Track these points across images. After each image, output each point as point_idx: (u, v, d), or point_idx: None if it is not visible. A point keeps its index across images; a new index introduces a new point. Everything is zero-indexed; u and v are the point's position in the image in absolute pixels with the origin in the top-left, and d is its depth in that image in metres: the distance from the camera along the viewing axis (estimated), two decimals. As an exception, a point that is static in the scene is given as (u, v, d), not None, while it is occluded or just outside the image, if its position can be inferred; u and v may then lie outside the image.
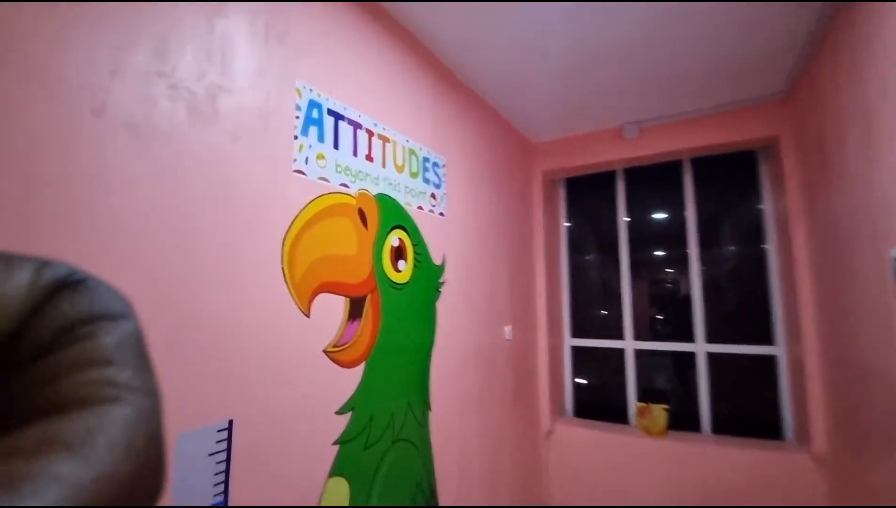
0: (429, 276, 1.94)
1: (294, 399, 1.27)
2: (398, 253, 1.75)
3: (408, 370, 1.77)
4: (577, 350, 3.38)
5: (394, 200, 1.75)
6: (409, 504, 1.71)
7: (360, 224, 1.57)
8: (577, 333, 3.40)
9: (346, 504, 1.42)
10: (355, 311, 1.52)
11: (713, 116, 2.75)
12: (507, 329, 2.67)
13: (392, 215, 1.73)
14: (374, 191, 1.65)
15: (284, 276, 1.26)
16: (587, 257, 3.48)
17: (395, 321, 1.71)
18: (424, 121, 1.99)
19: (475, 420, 2.23)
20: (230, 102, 1.15)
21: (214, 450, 1.05)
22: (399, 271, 1.75)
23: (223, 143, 1.13)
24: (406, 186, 1.83)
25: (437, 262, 2.01)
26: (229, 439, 1.09)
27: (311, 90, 1.40)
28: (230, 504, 1.08)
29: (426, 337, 1.90)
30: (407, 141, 1.86)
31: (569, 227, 3.52)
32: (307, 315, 1.33)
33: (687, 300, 3.05)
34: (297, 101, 1.35)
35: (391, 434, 1.64)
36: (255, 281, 1.18)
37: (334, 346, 1.42)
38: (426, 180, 1.96)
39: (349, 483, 1.44)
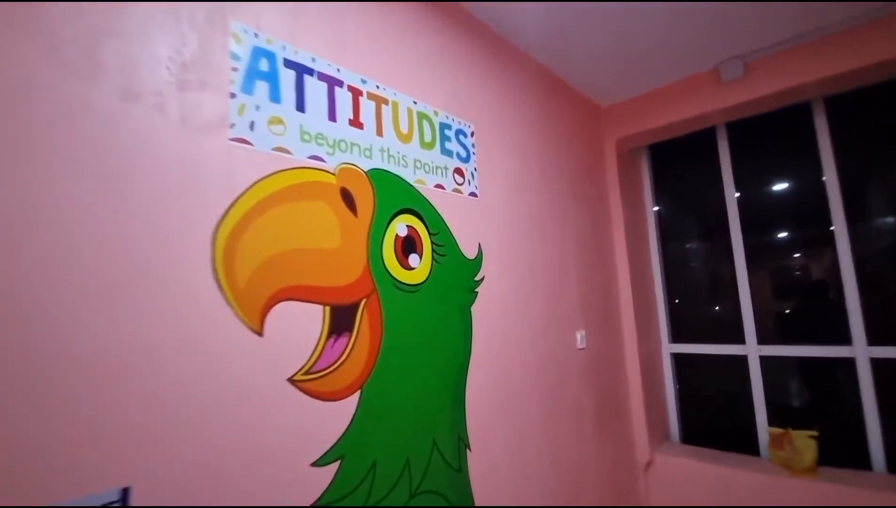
0: (458, 273, 1.51)
1: (236, 452, 0.92)
2: (408, 245, 1.34)
3: (430, 396, 1.34)
4: (680, 359, 2.68)
5: (398, 177, 1.36)
6: (442, 578, 1.28)
7: (346, 209, 1.20)
8: (678, 337, 2.70)
9: (337, 588, 1.03)
10: (340, 323, 1.14)
11: (852, 31, 1.96)
12: (580, 336, 2.12)
13: (396, 196, 1.34)
14: (365, 166, 1.27)
15: (218, 281, 0.92)
16: (687, 245, 2.77)
17: (406, 334, 1.30)
18: (442, 80, 1.58)
19: (539, 455, 1.72)
20: (120, 49, 0.85)
21: None
22: (410, 269, 1.34)
23: (110, 104, 0.82)
24: (416, 160, 1.42)
25: (470, 255, 1.57)
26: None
27: (255, 35, 1.06)
28: None
29: (457, 352, 1.46)
30: (415, 103, 1.45)
31: (658, 210, 2.84)
32: (259, 333, 0.98)
33: (825, 290, 2.24)
34: (232, 47, 1.02)
35: (407, 486, 1.23)
36: (168, 292, 0.85)
37: (307, 373, 1.05)
38: (447, 152, 1.54)
39: (341, 558, 1.05)
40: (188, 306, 0.87)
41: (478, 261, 1.60)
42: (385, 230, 1.29)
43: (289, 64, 1.12)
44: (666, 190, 2.83)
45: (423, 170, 1.44)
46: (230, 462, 0.90)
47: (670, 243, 2.80)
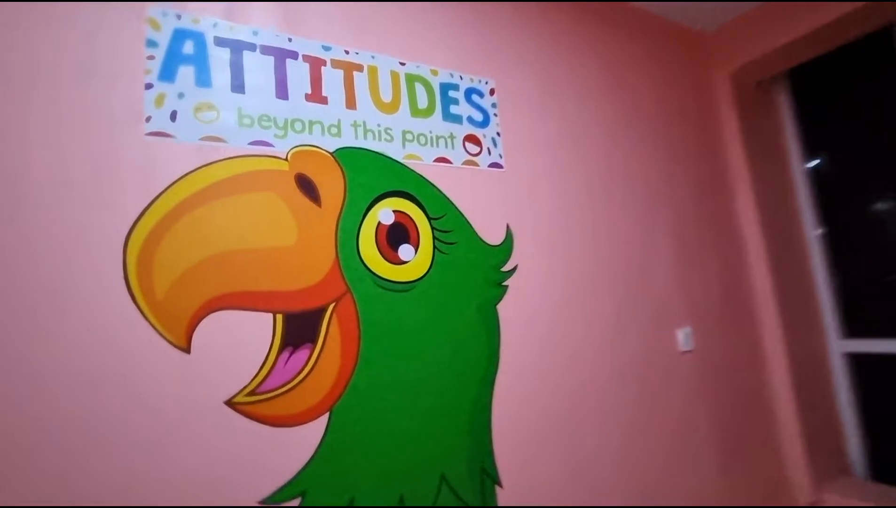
0: (476, 263, 1.22)
1: (162, 486, 0.80)
2: (396, 235, 1.11)
3: (436, 419, 1.09)
4: (859, 362, 1.90)
5: (378, 154, 1.13)
6: None
7: (304, 198, 1.02)
8: (855, 331, 1.92)
9: None
10: (298, 333, 0.96)
11: None
12: (683, 335, 1.61)
13: (376, 177, 1.12)
14: (332, 146, 1.07)
15: (132, 294, 0.83)
16: (866, 207, 1.95)
17: (396, 342, 1.07)
18: (443, 31, 1.30)
19: (615, 495, 1.32)
20: (15, 40, 0.80)
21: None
22: (401, 263, 1.11)
23: (6, 97, 0.78)
24: (406, 131, 1.18)
25: (494, 240, 1.27)
26: (18, 555, 0.70)
27: (178, 16, 0.95)
28: None
29: (476, 363, 1.17)
30: (402, 64, 1.21)
31: (811, 160, 2.06)
32: (185, 350, 0.86)
33: None
34: (149, 34, 0.92)
35: (402, 530, 1.00)
36: (71, 309, 0.78)
37: (251, 393, 0.90)
38: (452, 118, 1.26)
39: None
40: (96, 323, 0.79)
41: (506, 247, 1.28)
42: (362, 219, 1.08)
43: (221, 42, 0.99)
44: (824, 132, 2.03)
45: (417, 143, 1.19)
46: (156, 497, 0.79)
47: (837, 205, 2.00)
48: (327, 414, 0.97)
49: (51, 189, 0.80)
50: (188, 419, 0.84)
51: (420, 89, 1.23)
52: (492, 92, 1.35)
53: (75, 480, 0.74)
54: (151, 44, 0.91)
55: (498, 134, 1.34)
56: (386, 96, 1.17)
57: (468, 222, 1.23)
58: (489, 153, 1.31)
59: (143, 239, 0.85)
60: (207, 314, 0.88)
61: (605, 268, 1.47)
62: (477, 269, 1.22)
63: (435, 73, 1.26)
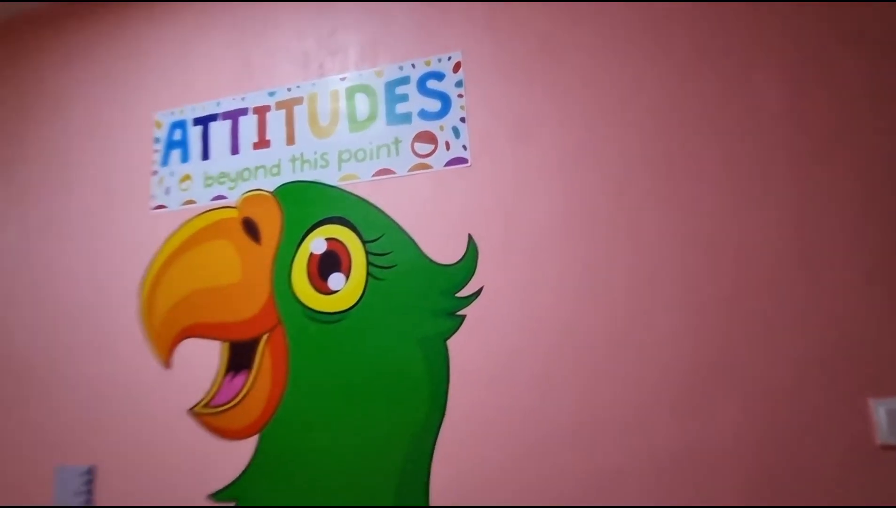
0: (415, 289, 1.02)
1: (158, 462, 1.12)
2: (327, 264, 1.08)
3: (363, 469, 1.00)
4: None
5: (313, 184, 1.12)
6: None
7: (247, 239, 1.15)
8: None
9: None
10: (239, 359, 1.10)
11: None
12: (885, 414, 0.79)
13: (310, 207, 1.12)
14: (272, 186, 1.15)
15: (143, 322, 1.18)
16: None
17: (323, 376, 1.05)
18: (398, 15, 1.14)
19: None
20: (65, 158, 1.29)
21: (83, 491, 1.15)
22: (330, 293, 1.07)
23: (75, 214, 1.28)
24: (343, 152, 1.12)
25: (447, 258, 1.02)
26: (92, 482, 1.15)
27: (171, 113, 1.26)
28: (90, 549, 1.13)
29: (413, 411, 0.99)
30: (343, 79, 1.14)
31: None
32: (167, 366, 1.15)
33: None
34: (155, 133, 1.26)
35: (317, 568, 0.99)
36: (109, 334, 1.20)
37: (206, 406, 1.11)
38: (398, 119, 1.09)
39: None
40: (125, 346, 1.18)
41: (465, 266, 1.01)
42: (295, 252, 1.11)
43: (197, 121, 1.23)
44: None
45: (355, 159, 1.10)
46: (151, 467, 1.12)
47: None
48: (257, 436, 1.07)
49: (94, 253, 1.24)
50: (165, 420, 1.13)
51: (361, 100, 1.12)
52: (456, 68, 1.08)
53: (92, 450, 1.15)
54: (156, 140, 1.26)
55: (462, 120, 1.05)
56: (324, 121, 1.14)
57: (411, 240, 1.04)
58: (447, 148, 1.05)
59: (150, 283, 1.19)
60: (182, 340, 1.15)
61: (660, 287, 0.91)
62: (420, 295, 1.02)
63: (380, 74, 1.12)
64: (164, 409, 1.13)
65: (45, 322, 1.26)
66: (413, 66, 1.10)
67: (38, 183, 1.35)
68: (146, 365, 1.16)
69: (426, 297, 1.02)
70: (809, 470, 0.80)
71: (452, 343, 0.99)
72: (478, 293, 0.99)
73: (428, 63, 1.09)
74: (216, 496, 1.07)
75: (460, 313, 0.99)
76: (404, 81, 1.10)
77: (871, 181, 0.85)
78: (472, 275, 1.00)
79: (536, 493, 0.90)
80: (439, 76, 1.08)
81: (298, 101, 1.17)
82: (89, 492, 1.15)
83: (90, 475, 1.15)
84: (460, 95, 1.06)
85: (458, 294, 1.00)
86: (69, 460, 1.18)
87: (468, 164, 1.04)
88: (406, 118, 1.09)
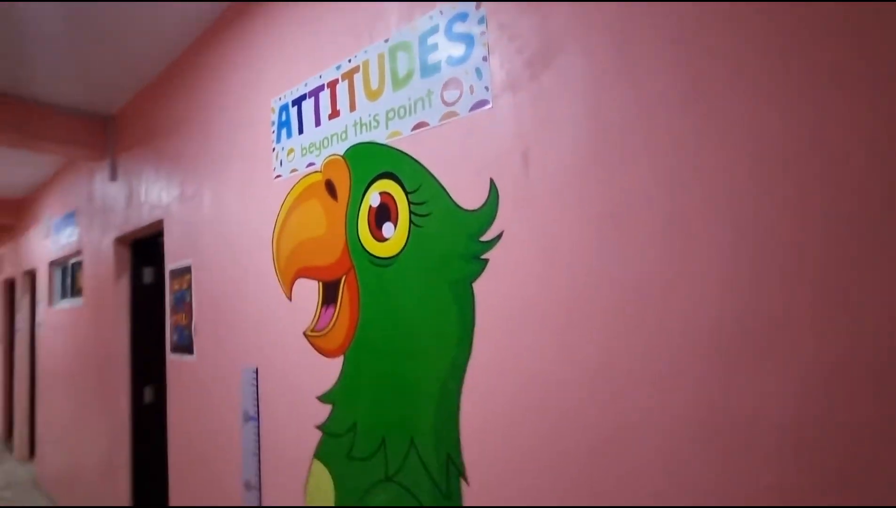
0: (446, 235, 1.09)
1: (290, 368, 1.51)
2: (381, 214, 1.23)
3: (406, 392, 1.16)
4: None
5: (371, 144, 1.26)
6: (427, 595, 1.12)
7: (329, 198, 1.37)
8: None
9: (332, 499, 1.34)
10: (329, 296, 1.37)
11: None
12: None
13: (369, 164, 1.26)
14: (342, 149, 1.33)
15: (274, 267, 1.55)
16: None
17: (381, 311, 1.23)
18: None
19: None
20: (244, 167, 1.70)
21: (253, 382, 1.64)
22: (384, 240, 1.22)
23: (232, 203, 1.70)
24: (389, 110, 1.21)
25: (472, 204, 1.05)
26: (257, 379, 1.62)
27: (279, 98, 1.54)
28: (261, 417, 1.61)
29: (444, 348, 1.08)
30: (386, 41, 1.22)
31: None
32: (290, 298, 1.49)
33: None
34: (271, 117, 1.57)
35: (382, 466, 1.21)
36: (261, 275, 1.61)
37: (312, 330, 1.42)
38: (430, 70, 1.12)
39: (333, 479, 1.34)
40: (267, 284, 1.58)
41: (487, 211, 1.02)
42: (360, 205, 1.28)
43: (294, 102, 1.49)
44: None
45: (398, 117, 1.19)
46: (288, 371, 1.51)
47: None
48: (343, 355, 1.33)
49: (240, 216, 1.64)
50: (289, 340, 1.48)
51: (402, 58, 1.18)
52: (478, 4, 1.03)
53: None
54: (272, 123, 1.57)
55: (484, 59, 1.02)
56: (374, 84, 1.25)
57: (443, 189, 1.09)
58: (471, 92, 1.05)
59: (276, 238, 1.55)
60: (297, 279, 1.48)
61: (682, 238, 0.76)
62: (451, 241, 1.08)
63: (414, 29, 1.15)
64: (294, 329, 1.49)
65: (228, 264, 1.78)
66: (441, 12, 1.10)
67: (211, 161, 1.85)
68: (280, 297, 1.54)
69: (455, 242, 1.07)
70: (862, 463, 0.60)
71: (478, 286, 1.03)
72: (499, 238, 0.99)
73: (454, 7, 1.07)
74: (321, 398, 1.38)
75: (484, 256, 1.02)
76: (434, 30, 1.11)
77: None
78: (494, 219, 1.00)
79: (552, 435, 0.91)
80: (464, 17, 1.06)
81: (356, 69, 1.30)
82: (257, 386, 1.62)
83: (255, 374, 1.62)
84: (483, 34, 1.02)
85: (482, 238, 1.02)
86: (244, 364, 1.67)
87: (489, 105, 1.01)
88: (436, 68, 1.11)
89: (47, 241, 3.96)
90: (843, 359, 0.63)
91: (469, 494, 1.03)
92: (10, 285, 5.32)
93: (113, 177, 2.78)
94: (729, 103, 0.73)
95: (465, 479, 1.04)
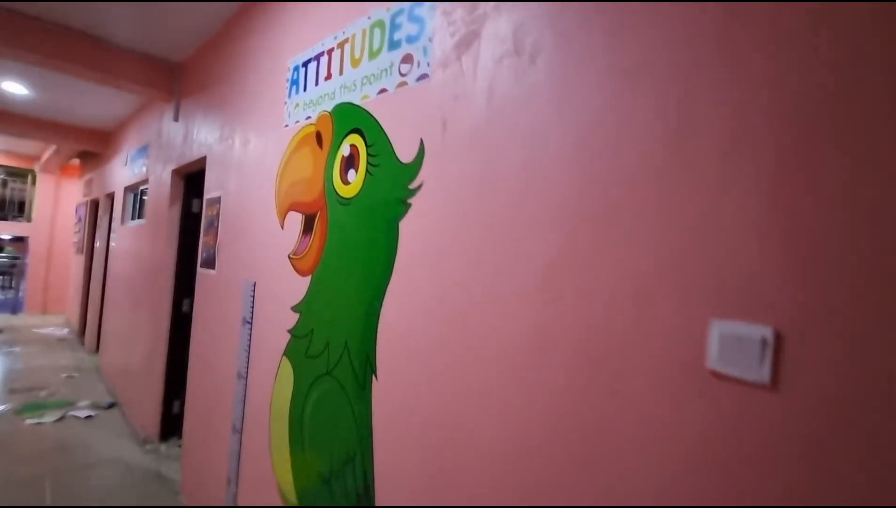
0: (387, 183, 1.35)
1: (276, 283, 1.85)
2: (349, 163, 1.50)
3: (346, 306, 1.45)
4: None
5: (349, 104, 1.53)
6: (339, 468, 1.43)
7: (317, 147, 1.66)
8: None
9: (291, 389, 1.69)
10: (308, 226, 1.67)
11: None
12: (730, 335, 0.73)
13: (346, 121, 1.53)
14: (331, 106, 1.61)
15: (274, 199, 1.88)
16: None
17: (339, 242, 1.52)
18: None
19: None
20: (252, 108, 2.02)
21: (251, 294, 2.01)
22: (348, 184, 1.50)
23: (253, 146, 2.03)
24: (364, 77, 1.47)
25: (406, 158, 1.30)
26: (255, 291, 1.99)
27: (294, 59, 1.83)
28: (254, 319, 1.98)
29: (373, 273, 1.36)
30: (369, 18, 1.46)
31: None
32: (282, 227, 1.82)
33: None
34: (286, 75, 1.87)
35: (325, 362, 1.53)
36: (266, 207, 1.95)
37: (294, 254, 1.74)
38: (394, 45, 1.36)
39: (294, 371, 1.68)
40: (268, 214, 1.92)
41: (415, 164, 1.26)
42: (336, 155, 1.56)
43: (304, 64, 1.77)
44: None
45: (368, 83, 1.44)
46: (276, 287, 1.85)
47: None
48: (311, 276, 1.64)
49: (264, 156, 1.97)
50: (278, 260, 1.82)
51: (377, 34, 1.43)
52: (432, -7, 1.25)
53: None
54: (287, 80, 1.87)
55: (430, 39, 1.25)
56: (357, 54, 1.50)
57: (390, 144, 1.35)
58: (418, 67, 1.28)
59: (278, 178, 1.87)
60: (288, 212, 1.80)
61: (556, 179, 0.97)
62: (390, 187, 1.34)
63: (389, 9, 1.39)
64: (282, 253, 1.82)
65: (244, 197, 2.14)
66: (408, -4, 1.33)
67: (242, 110, 2.20)
68: (275, 225, 1.87)
69: (392, 188, 1.32)
70: (629, 387, 0.81)
71: (402, 225, 1.28)
72: (420, 187, 1.24)
73: (416, -8, 1.30)
74: (293, 308, 1.71)
75: (409, 201, 1.27)
76: (401, 11, 1.35)
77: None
78: (419, 171, 1.25)
79: (441, 341, 1.17)
80: (421, 2, 1.28)
81: (347, 40, 1.56)
82: (254, 296, 1.98)
83: (254, 287, 1.98)
84: (432, 18, 1.25)
85: (410, 186, 1.27)
86: (247, 278, 2.04)
87: (429, 78, 1.24)
88: (398, 44, 1.35)
89: (125, 169, 4.61)
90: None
91: (376, 385, 1.32)
92: (95, 205, 6.17)
93: (176, 117, 3.24)
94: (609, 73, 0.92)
95: (376, 375, 1.33)
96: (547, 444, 0.91)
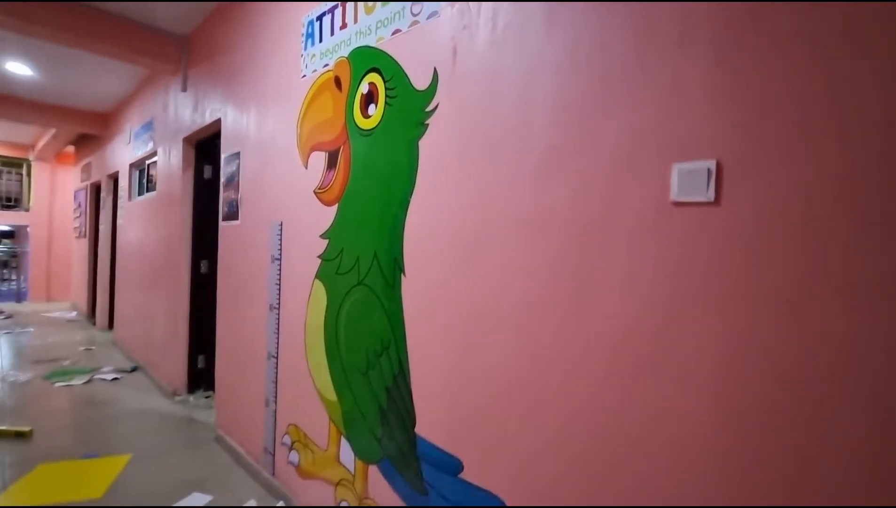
0: (406, 110, 1.57)
1: (303, 218, 2.07)
2: (369, 99, 1.72)
3: (374, 220, 1.68)
4: None
5: (365, 47, 1.73)
6: (374, 358, 1.68)
7: (336, 90, 1.87)
8: None
9: (324, 306, 1.92)
10: (332, 162, 1.89)
11: None
12: (686, 174, 0.98)
13: (363, 62, 1.74)
14: (347, 52, 1.82)
15: (297, 143, 2.09)
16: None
17: (363, 169, 1.74)
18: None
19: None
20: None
21: (278, 233, 2.23)
22: (368, 117, 1.72)
23: (269, 100, 2.22)
24: (378, 22, 1.67)
25: (421, 86, 1.52)
26: (282, 230, 2.21)
27: (308, 15, 2.02)
28: (283, 258, 2.21)
29: (398, 187, 1.59)
30: (381, -32, 1.67)
31: None
32: (306, 167, 2.04)
33: None
34: (301, 30, 2.06)
35: (356, 274, 1.76)
36: (285, 149, 2.16)
37: (319, 188, 1.96)
38: (406, -10, 1.57)
39: (327, 290, 1.92)
40: (290, 152, 2.13)
41: (430, 90, 1.49)
42: (356, 94, 1.78)
43: (318, 17, 1.97)
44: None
45: (382, 26, 1.65)
46: (303, 223, 2.08)
47: None
48: (337, 204, 1.86)
49: (282, 107, 2.17)
50: (304, 197, 2.04)
51: (389, -19, 1.63)
52: (438, -60, 1.46)
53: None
54: (302, 35, 2.06)
55: (438, -19, 1.46)
56: (371, 3, 1.71)
57: (406, 76, 1.56)
58: (428, 5, 1.49)
59: (300, 121, 2.08)
60: (311, 153, 2.01)
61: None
62: (408, 113, 1.56)
63: (399, -42, 1.59)
64: (307, 190, 2.04)
65: (264, 148, 2.34)
66: (416, -54, 1.53)
67: (255, 70, 2.38)
68: (299, 167, 2.08)
69: (410, 113, 1.55)
70: (615, 223, 1.05)
71: (421, 143, 1.51)
72: (436, 109, 1.46)
73: (424, -59, 1.50)
74: (322, 235, 1.94)
75: (426, 122, 1.49)
76: (411, -41, 1.55)
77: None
78: (434, 96, 1.47)
79: (460, 234, 1.40)
80: (430, -50, 1.49)
81: (360, -9, 1.76)
82: (281, 235, 2.20)
83: (280, 226, 2.20)
84: (439, -38, 1.46)
85: (426, 110, 1.49)
86: (273, 219, 2.26)
87: (439, 16, 1.46)
88: (410, -11, 1.55)
89: (128, 146, 4.75)
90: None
91: (405, 282, 1.56)
92: (96, 188, 6.28)
93: (184, 88, 3.40)
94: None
95: (404, 273, 1.57)
96: (547, 301, 1.16)
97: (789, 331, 0.82)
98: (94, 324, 6.16)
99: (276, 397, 2.25)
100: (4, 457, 2.51)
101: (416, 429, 1.52)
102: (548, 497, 1.16)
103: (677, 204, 0.96)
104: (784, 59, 0.84)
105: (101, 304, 5.90)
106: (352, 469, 1.78)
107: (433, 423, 1.47)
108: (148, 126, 4.22)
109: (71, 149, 7.40)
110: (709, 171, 0.92)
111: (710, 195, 0.92)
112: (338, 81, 1.86)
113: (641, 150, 1.02)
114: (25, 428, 2.80)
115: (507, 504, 1.26)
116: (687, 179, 0.94)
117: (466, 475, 1.36)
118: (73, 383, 3.77)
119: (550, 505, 1.16)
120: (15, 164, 7.87)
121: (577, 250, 1.12)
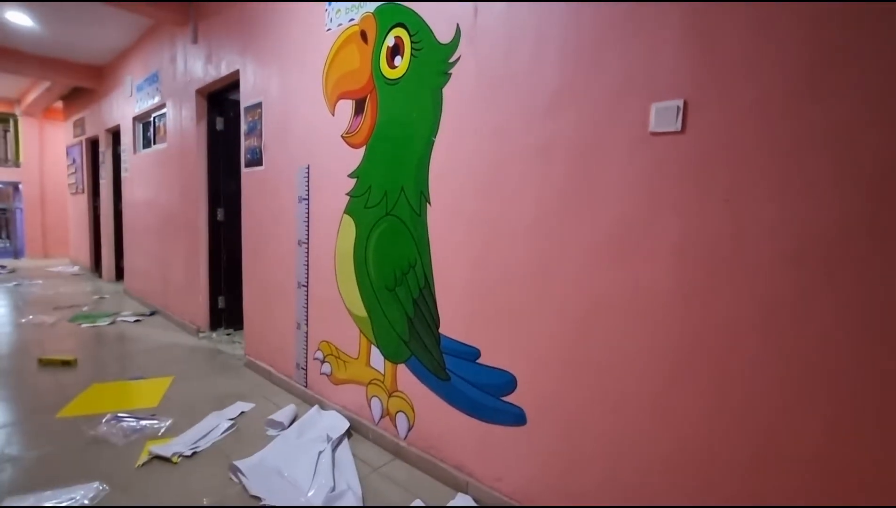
0: (430, 60, 1.82)
1: (330, 161, 2.33)
2: (395, 51, 1.96)
3: (400, 159, 1.96)
4: None
5: (391, 3, 1.96)
6: (401, 276, 2.00)
7: (362, 42, 2.09)
8: None
9: (353, 237, 2.22)
10: (359, 109, 2.14)
11: None
12: (663, 109, 1.28)
13: (389, 17, 1.97)
14: (373, 8, 2.03)
15: (323, 92, 2.33)
16: None
17: (389, 114, 2.00)
18: None
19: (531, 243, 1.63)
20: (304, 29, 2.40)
21: (305, 176, 2.49)
22: (394, 68, 1.96)
23: (291, 52, 2.42)
24: (404, -20, 1.89)
25: (445, 40, 1.77)
26: (309, 173, 2.47)
27: (333, -29, 2.21)
28: (311, 198, 2.48)
29: (422, 129, 1.86)
30: (406, -70, 1.87)
31: None
32: (333, 114, 2.28)
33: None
34: (326, -14, 2.26)
35: (384, 207, 2.06)
36: (314, 97, 2.39)
37: (346, 133, 2.22)
38: (430, -48, 1.79)
39: (355, 223, 2.22)
40: (318, 103, 2.36)
41: (453, 43, 1.74)
42: (382, 46, 2.01)
43: (343, -26, 2.16)
44: None
45: (409, -16, 1.88)
46: (330, 164, 2.34)
47: None
48: (365, 146, 2.13)
49: (298, 60, 2.39)
50: (333, 141, 2.29)
51: (414, -57, 1.84)
52: None
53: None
54: (327, -10, 2.26)
55: (461, -54, 1.69)
56: (396, -39, 1.92)
57: (431, 31, 1.81)
58: (452, -34, 1.72)
59: (325, 74, 2.30)
60: (338, 100, 2.25)
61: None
62: (433, 63, 1.81)
63: (423, -78, 1.80)
64: (334, 135, 2.29)
65: (289, 97, 2.56)
66: (440, -88, 1.74)
67: (275, 23, 2.57)
68: (326, 113, 2.32)
69: (435, 64, 1.80)
70: (608, 149, 1.36)
71: (445, 91, 1.78)
72: (458, 60, 1.73)
73: None
74: (350, 175, 2.21)
75: (449, 72, 1.76)
76: (435, -76, 1.76)
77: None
78: (457, 48, 1.73)
79: (480, 167, 1.70)
80: (452, -84, 1.70)
81: (386, -50, 1.96)
82: (308, 178, 2.46)
83: (308, 169, 2.46)
84: (461, -72, 1.68)
85: (450, 60, 1.75)
86: (299, 164, 2.51)
87: (462, -27, 1.70)
88: (434, -49, 1.77)
89: (131, 99, 4.81)
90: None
91: (430, 211, 1.87)
92: (93, 143, 6.30)
93: (194, 40, 3.51)
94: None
95: (430, 202, 1.87)
96: (553, 213, 1.48)
97: (723, 220, 1.16)
98: (101, 277, 6.34)
99: (307, 320, 2.57)
100: (59, 379, 2.82)
101: (440, 330, 1.87)
102: (550, 369, 1.53)
103: (654, 134, 1.28)
104: (734, 17, 1.14)
105: (106, 257, 6.07)
106: (381, 371, 2.14)
107: (454, 322, 1.82)
108: (152, 79, 4.31)
109: (59, 104, 7.30)
110: (678, 108, 1.23)
111: (678, 126, 1.23)
112: (363, 35, 2.09)
113: (629, 93, 1.32)
114: (70, 357, 3.09)
115: (517, 378, 1.62)
116: (662, 115, 1.25)
117: (483, 360, 1.73)
118: (98, 324, 4.04)
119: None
120: (1, 119, 7.73)
121: (579, 171, 1.43)
